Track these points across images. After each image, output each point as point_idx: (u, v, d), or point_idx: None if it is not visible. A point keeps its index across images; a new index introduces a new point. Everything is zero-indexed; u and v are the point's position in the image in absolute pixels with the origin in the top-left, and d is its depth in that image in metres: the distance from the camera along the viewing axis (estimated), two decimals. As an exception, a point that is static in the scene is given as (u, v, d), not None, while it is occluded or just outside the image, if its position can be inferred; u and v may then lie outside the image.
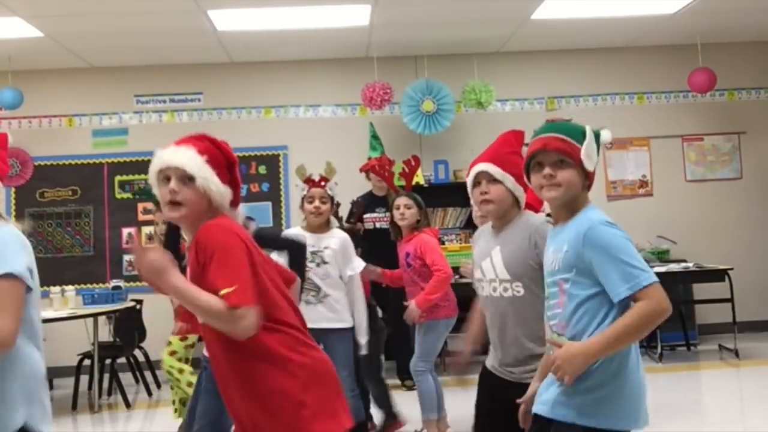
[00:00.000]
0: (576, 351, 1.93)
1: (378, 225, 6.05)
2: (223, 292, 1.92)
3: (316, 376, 2.11)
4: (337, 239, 3.95)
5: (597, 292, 1.98)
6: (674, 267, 6.49)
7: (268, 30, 6.51)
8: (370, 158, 6.48)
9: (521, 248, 2.51)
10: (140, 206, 7.36)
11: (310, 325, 3.45)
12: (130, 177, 7.37)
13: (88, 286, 7.09)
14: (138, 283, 7.08)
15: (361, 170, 6.20)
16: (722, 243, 7.40)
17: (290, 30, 6.52)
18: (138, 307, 6.34)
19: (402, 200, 4.30)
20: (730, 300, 6.36)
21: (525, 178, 2.21)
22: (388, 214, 5.03)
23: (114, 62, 7.31)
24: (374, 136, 7.18)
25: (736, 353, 6.27)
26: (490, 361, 2.68)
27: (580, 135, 2.08)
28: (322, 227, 3.96)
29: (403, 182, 4.64)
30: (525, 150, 2.28)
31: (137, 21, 6.08)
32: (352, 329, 3.97)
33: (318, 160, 7.20)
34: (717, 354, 6.61)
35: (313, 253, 3.88)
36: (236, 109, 7.53)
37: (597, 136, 2.13)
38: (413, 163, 4.60)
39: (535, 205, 3.01)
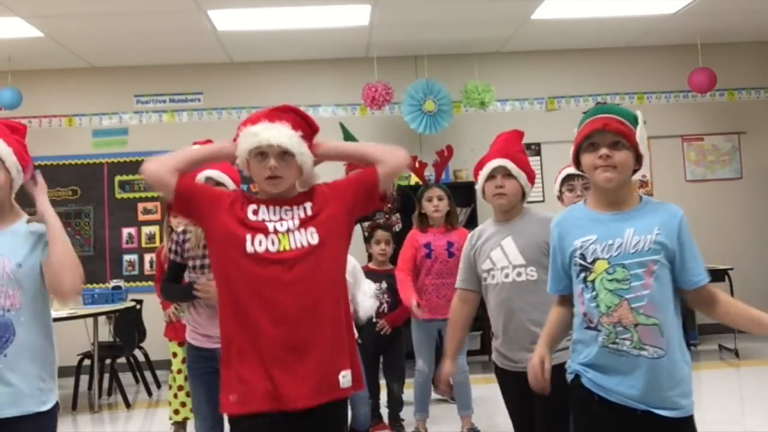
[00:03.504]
0: None
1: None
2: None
3: None
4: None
5: (673, 278, 2.07)
6: (674, 267, 6.49)
7: (268, 30, 6.51)
8: None
9: (537, 237, 2.65)
10: (140, 206, 7.36)
11: None
12: (130, 177, 7.37)
13: (88, 286, 7.08)
14: (138, 283, 7.09)
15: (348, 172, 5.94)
16: (722, 243, 7.40)
17: (290, 30, 6.52)
18: (138, 307, 6.34)
19: (435, 192, 4.31)
20: (730, 300, 6.35)
21: (572, 160, 2.20)
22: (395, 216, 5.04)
23: (114, 62, 7.31)
24: (346, 137, 6.95)
25: (736, 353, 6.28)
26: (500, 360, 2.77)
27: (633, 119, 2.11)
28: None
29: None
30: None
31: (137, 21, 6.08)
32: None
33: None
34: (717, 354, 6.62)
35: None
36: (236, 109, 7.53)
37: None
38: (446, 153, 4.58)
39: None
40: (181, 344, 4.66)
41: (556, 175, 3.44)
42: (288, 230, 2.14)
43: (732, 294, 6.31)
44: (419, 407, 4.44)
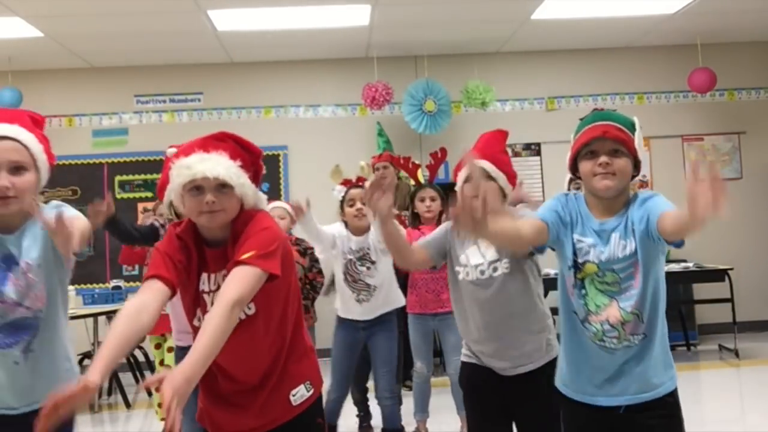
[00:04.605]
0: None
1: None
2: (246, 255, 1.88)
3: None
4: (375, 232, 3.89)
5: (659, 265, 2.05)
6: (674, 267, 6.49)
7: (268, 30, 6.51)
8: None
9: None
10: (140, 206, 7.36)
11: (365, 317, 3.85)
12: (130, 177, 7.38)
13: (88, 286, 7.09)
14: (138, 283, 7.09)
15: (374, 165, 5.87)
16: (722, 243, 7.39)
17: (290, 30, 6.52)
18: (138, 307, 6.33)
19: (428, 192, 4.27)
20: (730, 300, 6.36)
21: (568, 167, 2.17)
22: (404, 213, 5.04)
23: (114, 62, 7.31)
24: (380, 134, 7.17)
25: (736, 353, 6.27)
26: (472, 359, 2.68)
27: (631, 126, 2.10)
28: (366, 228, 3.93)
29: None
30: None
31: (137, 21, 6.08)
32: (395, 313, 4.05)
33: (318, 160, 7.27)
34: (717, 354, 6.61)
35: (361, 257, 3.91)
36: (236, 109, 7.53)
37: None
38: (440, 155, 4.57)
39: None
40: (158, 346, 4.67)
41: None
42: None
43: (732, 294, 6.34)
44: (419, 408, 4.45)
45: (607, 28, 7.00)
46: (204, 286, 2.07)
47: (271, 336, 2.07)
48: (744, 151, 7.76)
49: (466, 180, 2.59)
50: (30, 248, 2.04)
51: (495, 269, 2.57)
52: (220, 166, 1.97)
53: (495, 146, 2.69)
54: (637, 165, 2.09)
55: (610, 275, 2.05)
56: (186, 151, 2.02)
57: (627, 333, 2.06)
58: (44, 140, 2.10)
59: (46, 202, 2.17)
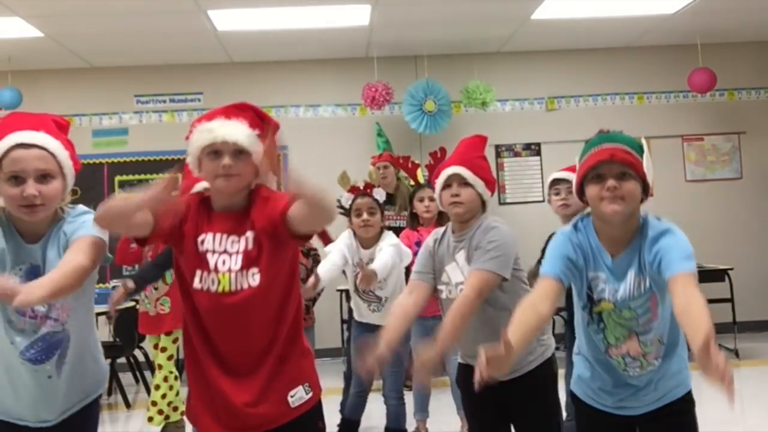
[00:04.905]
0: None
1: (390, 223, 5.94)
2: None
3: None
4: (387, 247, 3.72)
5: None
6: (674, 267, 6.48)
7: (268, 30, 6.51)
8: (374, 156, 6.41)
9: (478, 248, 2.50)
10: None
11: (379, 323, 3.65)
12: (130, 177, 7.37)
13: (88, 286, 7.08)
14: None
15: (374, 164, 5.99)
16: (722, 243, 7.40)
17: (290, 30, 6.52)
18: (138, 307, 6.32)
19: (427, 192, 4.18)
20: (730, 300, 6.36)
21: (575, 192, 2.11)
22: (403, 213, 5.02)
23: (114, 62, 7.31)
24: (379, 135, 7.20)
25: (736, 353, 6.28)
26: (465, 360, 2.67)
27: (639, 148, 2.04)
28: (375, 238, 3.81)
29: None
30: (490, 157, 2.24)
31: (137, 21, 6.08)
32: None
33: (318, 160, 7.27)
34: (717, 354, 6.61)
35: None
36: (236, 109, 7.52)
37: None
38: (440, 155, 4.55)
39: None
40: (157, 346, 4.66)
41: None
42: (229, 270, 2.02)
43: (732, 294, 6.33)
44: (419, 407, 4.44)
45: (607, 28, 7.00)
46: (209, 245, 2.06)
47: (266, 319, 2.06)
48: (744, 151, 7.76)
49: (444, 188, 2.58)
50: (54, 260, 2.04)
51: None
52: (239, 132, 2.04)
53: (473, 152, 2.65)
54: (646, 188, 2.03)
55: (628, 312, 2.03)
56: (208, 116, 2.10)
57: (649, 360, 2.06)
58: (69, 146, 2.09)
59: (72, 202, 2.17)
